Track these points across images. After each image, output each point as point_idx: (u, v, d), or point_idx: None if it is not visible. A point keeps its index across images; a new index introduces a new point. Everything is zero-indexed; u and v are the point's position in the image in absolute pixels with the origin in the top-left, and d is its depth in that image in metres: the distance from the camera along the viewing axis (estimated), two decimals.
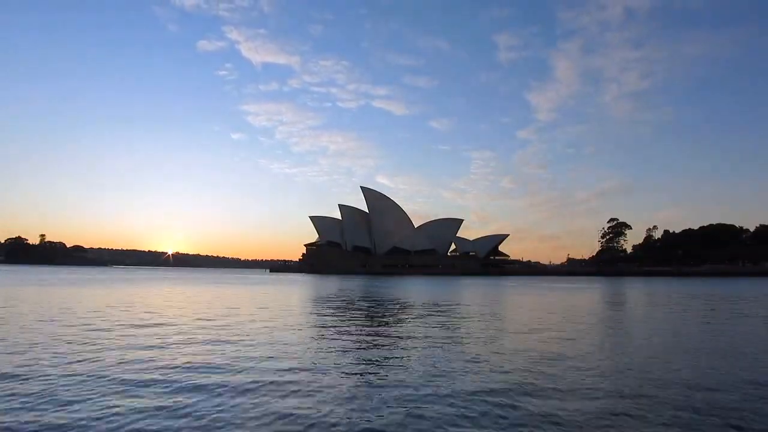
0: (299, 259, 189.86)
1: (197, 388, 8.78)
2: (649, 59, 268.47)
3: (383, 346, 13.91)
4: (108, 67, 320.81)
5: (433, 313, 24.47)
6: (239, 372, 10.14)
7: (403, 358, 12.12)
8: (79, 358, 11.36)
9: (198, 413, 7.39)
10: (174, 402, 7.94)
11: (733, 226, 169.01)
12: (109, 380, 9.26)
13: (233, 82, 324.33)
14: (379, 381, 9.60)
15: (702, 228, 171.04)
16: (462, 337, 15.66)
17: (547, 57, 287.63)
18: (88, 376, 9.54)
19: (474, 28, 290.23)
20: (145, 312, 22.96)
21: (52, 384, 8.95)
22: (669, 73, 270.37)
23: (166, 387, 8.84)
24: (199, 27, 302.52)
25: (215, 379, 9.50)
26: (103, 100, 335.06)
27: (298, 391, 8.72)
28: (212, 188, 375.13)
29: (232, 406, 7.74)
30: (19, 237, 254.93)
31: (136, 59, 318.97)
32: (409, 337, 15.52)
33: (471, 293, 44.60)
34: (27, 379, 9.38)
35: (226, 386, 8.93)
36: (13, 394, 8.28)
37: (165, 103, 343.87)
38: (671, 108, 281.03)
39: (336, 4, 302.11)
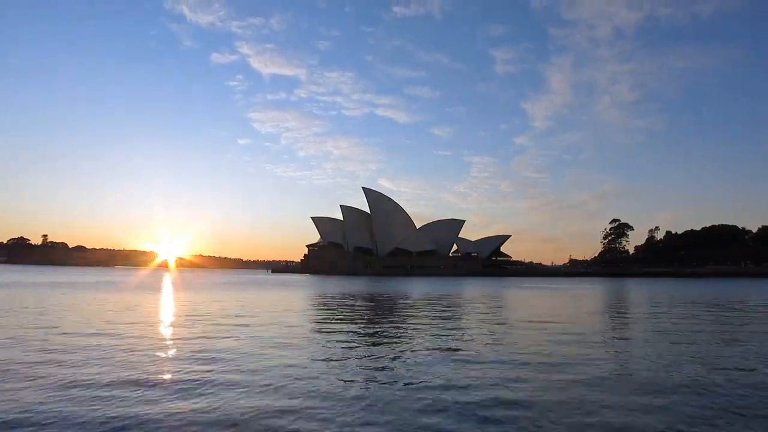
0: (301, 260, 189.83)
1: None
2: (637, 72, 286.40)
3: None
4: (122, 76, 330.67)
5: (454, 315, 24.56)
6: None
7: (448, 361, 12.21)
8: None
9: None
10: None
11: (735, 227, 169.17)
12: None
13: (242, 92, 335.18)
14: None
15: (704, 229, 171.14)
16: (482, 339, 15.77)
17: (542, 70, 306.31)
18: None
19: (472, 44, 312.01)
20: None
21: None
22: (658, 85, 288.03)
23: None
24: (213, 42, 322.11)
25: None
26: (113, 105, 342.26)
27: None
28: (215, 191, 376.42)
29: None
30: (22, 237, 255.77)
31: (150, 69, 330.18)
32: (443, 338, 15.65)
33: (478, 294, 44.68)
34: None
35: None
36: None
37: (174, 110, 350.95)
38: (664, 116, 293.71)
39: (342, 22, 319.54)
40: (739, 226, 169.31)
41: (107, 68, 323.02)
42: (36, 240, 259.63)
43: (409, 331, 17.45)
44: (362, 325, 19.67)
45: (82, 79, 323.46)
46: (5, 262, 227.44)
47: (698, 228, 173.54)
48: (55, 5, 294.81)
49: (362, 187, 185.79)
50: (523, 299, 39.45)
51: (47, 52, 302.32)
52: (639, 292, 52.70)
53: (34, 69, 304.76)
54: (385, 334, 17.03)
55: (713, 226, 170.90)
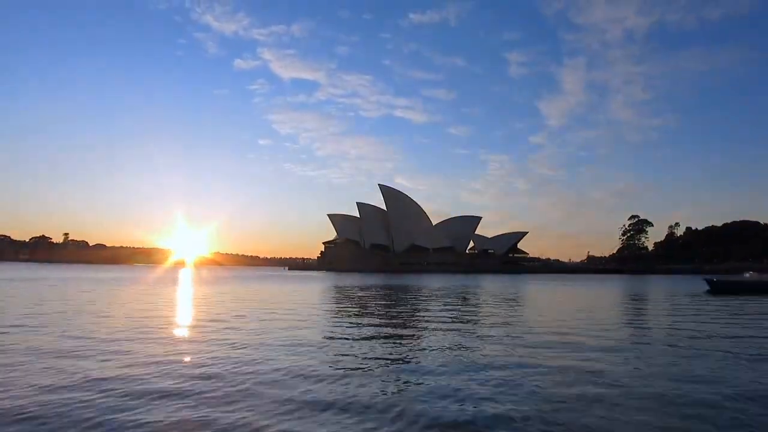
0: (317, 257, 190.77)
1: None
2: (650, 74, 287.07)
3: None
4: (149, 80, 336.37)
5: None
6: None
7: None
8: None
9: None
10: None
11: (757, 222, 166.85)
12: None
13: (263, 95, 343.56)
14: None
15: (725, 225, 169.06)
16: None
17: (555, 72, 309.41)
18: None
19: (486, 48, 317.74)
20: None
21: None
22: (671, 85, 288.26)
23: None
24: (236, 49, 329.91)
25: None
26: (138, 107, 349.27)
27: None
28: (234, 190, 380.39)
29: None
30: (43, 236, 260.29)
31: (175, 75, 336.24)
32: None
33: (503, 292, 44.95)
34: None
35: None
36: None
37: (197, 113, 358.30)
38: (678, 115, 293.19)
39: (361, 29, 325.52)
40: (761, 222, 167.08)
41: (135, 73, 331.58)
42: (57, 238, 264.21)
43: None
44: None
45: (110, 82, 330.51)
46: (28, 260, 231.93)
47: (719, 224, 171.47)
48: (98, 13, 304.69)
49: (379, 184, 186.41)
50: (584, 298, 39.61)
51: (78, 56, 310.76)
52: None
53: (61, 71, 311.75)
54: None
55: (734, 222, 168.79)
